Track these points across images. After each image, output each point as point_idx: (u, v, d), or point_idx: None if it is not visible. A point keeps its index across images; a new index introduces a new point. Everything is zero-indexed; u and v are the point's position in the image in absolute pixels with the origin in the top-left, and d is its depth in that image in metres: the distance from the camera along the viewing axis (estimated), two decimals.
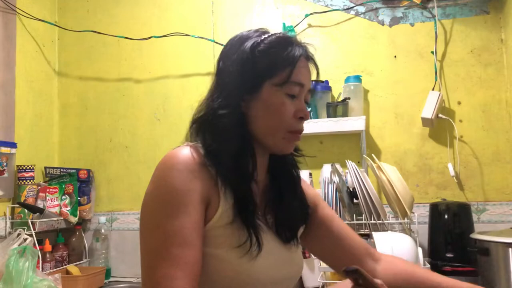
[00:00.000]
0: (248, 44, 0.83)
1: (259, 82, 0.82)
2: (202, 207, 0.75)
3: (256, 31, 0.87)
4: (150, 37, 2.19)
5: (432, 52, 1.90)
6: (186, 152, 0.77)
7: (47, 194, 1.96)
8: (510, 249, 1.28)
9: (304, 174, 1.89)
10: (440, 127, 1.88)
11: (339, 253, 0.95)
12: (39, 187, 1.97)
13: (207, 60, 2.12)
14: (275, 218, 0.86)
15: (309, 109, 1.90)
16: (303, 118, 0.85)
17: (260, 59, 0.82)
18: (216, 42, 2.11)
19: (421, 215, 1.77)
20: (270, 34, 0.86)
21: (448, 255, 1.62)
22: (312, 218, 0.96)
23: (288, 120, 0.83)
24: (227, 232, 0.76)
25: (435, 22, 1.91)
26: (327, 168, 1.77)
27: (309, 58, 0.87)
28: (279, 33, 0.87)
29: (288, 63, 0.82)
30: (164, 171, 0.75)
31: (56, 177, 2.08)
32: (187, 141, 0.85)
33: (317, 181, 1.89)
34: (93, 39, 2.27)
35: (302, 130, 0.86)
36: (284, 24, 2.07)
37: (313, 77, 0.88)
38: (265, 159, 0.89)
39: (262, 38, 0.84)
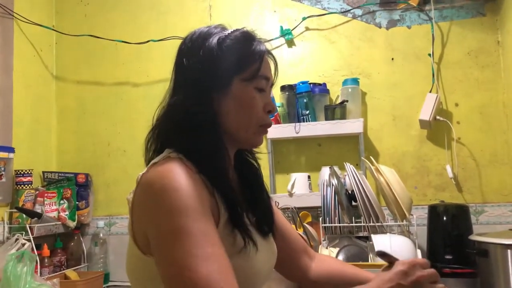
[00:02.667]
0: (213, 40, 0.83)
1: (229, 78, 0.82)
2: (211, 216, 0.73)
3: (216, 27, 0.87)
4: (148, 41, 2.19)
5: (429, 54, 1.91)
6: (179, 164, 0.74)
7: (45, 198, 1.96)
8: (509, 250, 1.28)
9: (302, 176, 1.89)
10: (438, 129, 1.89)
11: (280, 249, 0.96)
12: (37, 192, 1.97)
13: None
14: (255, 215, 0.88)
15: (307, 112, 1.91)
16: (271, 112, 0.87)
17: (228, 55, 0.82)
18: None
19: (419, 217, 1.77)
20: (233, 30, 0.86)
21: (447, 257, 1.62)
22: None
23: (259, 114, 0.84)
24: (230, 240, 0.76)
25: (432, 25, 1.92)
26: (325, 171, 1.77)
27: (269, 52, 0.89)
28: (241, 29, 0.87)
29: (256, 58, 0.84)
30: (169, 180, 0.70)
31: (54, 182, 2.07)
32: (149, 148, 0.85)
33: (316, 184, 1.90)
34: (91, 43, 2.27)
35: (271, 123, 0.88)
36: (281, 27, 2.07)
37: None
38: (232, 156, 0.89)
39: (226, 33, 0.84)
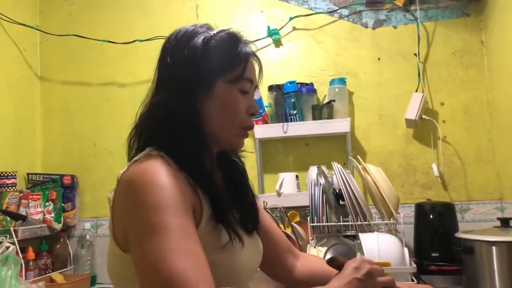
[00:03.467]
0: (199, 39, 0.82)
1: (213, 79, 0.81)
2: (191, 213, 0.73)
3: (201, 26, 0.86)
4: (134, 41, 2.17)
5: (415, 54, 1.92)
6: (160, 162, 0.73)
7: (29, 201, 1.92)
8: (493, 247, 1.29)
9: (290, 176, 1.90)
10: (424, 128, 1.90)
11: (266, 248, 0.96)
12: (22, 194, 1.93)
13: None
14: (239, 212, 0.88)
15: (294, 112, 1.91)
16: (254, 114, 0.87)
17: (213, 55, 0.81)
18: None
19: (406, 215, 1.78)
20: (219, 30, 0.86)
21: (434, 254, 1.64)
22: None
23: (241, 116, 0.84)
24: (214, 237, 0.76)
25: (418, 25, 1.93)
26: (313, 170, 1.78)
27: (254, 55, 0.89)
28: (227, 29, 0.87)
29: (241, 60, 0.83)
30: (149, 177, 0.70)
31: (39, 184, 2.04)
32: (132, 146, 0.85)
33: (304, 184, 1.90)
34: (76, 43, 2.24)
35: (253, 126, 0.89)
36: (268, 27, 2.07)
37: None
38: (214, 155, 0.90)
39: (212, 33, 0.84)
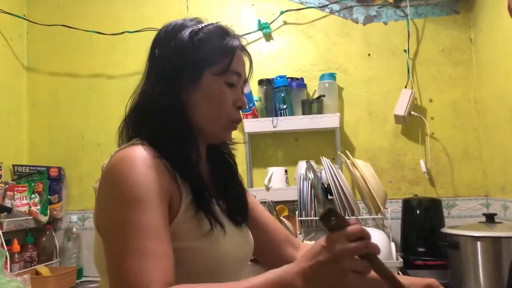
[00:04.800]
0: (186, 32, 0.83)
1: (199, 71, 0.82)
2: (166, 203, 0.73)
3: (191, 20, 0.87)
4: (123, 32, 2.14)
5: (405, 51, 1.93)
6: (139, 149, 0.74)
7: (15, 192, 1.90)
8: (478, 242, 1.32)
9: (279, 171, 1.90)
10: (412, 124, 1.92)
11: (261, 240, 0.96)
12: (7, 186, 1.90)
13: None
14: (227, 204, 0.88)
15: (284, 106, 1.91)
16: (241, 107, 0.87)
17: (199, 48, 0.82)
18: None
19: (394, 210, 1.80)
20: (207, 23, 0.86)
21: (420, 249, 1.66)
22: None
23: (228, 109, 0.85)
24: (193, 224, 0.77)
25: (408, 21, 1.94)
26: (302, 165, 1.78)
27: (243, 49, 0.89)
28: (215, 23, 0.87)
29: (227, 52, 0.84)
30: (123, 169, 0.71)
31: (25, 175, 2.01)
32: (122, 138, 0.85)
33: (293, 178, 1.90)
34: (64, 34, 2.20)
35: (241, 119, 0.89)
36: (259, 21, 2.06)
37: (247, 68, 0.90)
38: (204, 149, 0.90)
39: (200, 26, 0.84)
